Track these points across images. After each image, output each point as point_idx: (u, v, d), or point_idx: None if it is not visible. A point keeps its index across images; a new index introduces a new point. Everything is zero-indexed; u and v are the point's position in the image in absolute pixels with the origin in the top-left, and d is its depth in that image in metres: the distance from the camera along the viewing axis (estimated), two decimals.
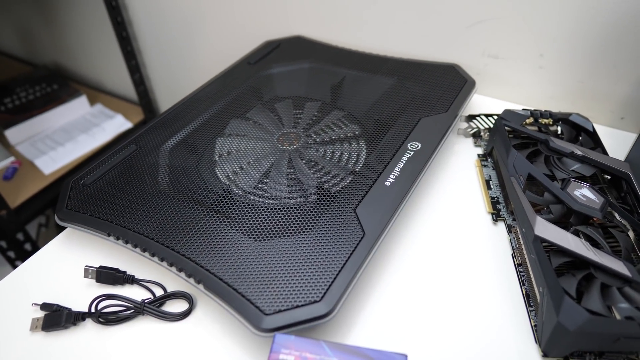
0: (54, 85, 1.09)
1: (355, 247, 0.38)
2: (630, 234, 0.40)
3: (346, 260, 0.37)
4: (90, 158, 0.96)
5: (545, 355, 0.35)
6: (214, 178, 0.48)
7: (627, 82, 0.55)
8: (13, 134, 0.98)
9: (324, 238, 0.39)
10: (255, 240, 0.39)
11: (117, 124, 1.03)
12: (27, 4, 1.15)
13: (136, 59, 0.99)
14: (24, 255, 0.88)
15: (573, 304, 0.32)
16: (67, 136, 1.00)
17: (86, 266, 0.42)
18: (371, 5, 0.66)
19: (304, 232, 0.40)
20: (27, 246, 0.88)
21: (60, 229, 0.47)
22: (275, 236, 0.40)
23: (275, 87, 0.62)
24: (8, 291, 0.42)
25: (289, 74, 0.64)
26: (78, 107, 1.05)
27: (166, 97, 1.08)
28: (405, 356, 0.31)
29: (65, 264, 0.44)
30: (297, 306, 0.34)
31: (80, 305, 0.40)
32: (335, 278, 0.36)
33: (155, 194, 0.45)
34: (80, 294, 0.41)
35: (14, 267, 0.89)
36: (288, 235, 0.40)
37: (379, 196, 0.42)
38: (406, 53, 0.67)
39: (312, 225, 0.40)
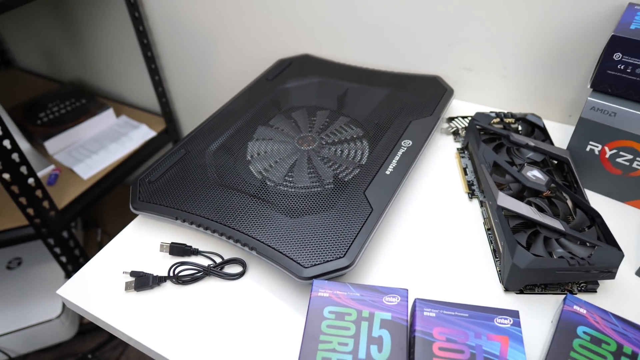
0: (82, 99, 1.21)
1: (367, 219, 0.51)
2: (569, 202, 0.54)
3: (360, 228, 0.50)
4: (122, 163, 1.08)
5: (506, 289, 0.49)
6: (250, 174, 0.61)
7: (572, 87, 0.69)
8: (51, 145, 1.10)
9: (343, 213, 0.52)
10: (291, 218, 0.53)
11: (143, 133, 1.16)
12: (54, 25, 1.27)
13: (159, 74, 1.12)
14: (68, 252, 1.00)
15: (523, 250, 0.46)
16: (99, 145, 1.12)
17: (161, 242, 0.55)
18: (366, 28, 0.79)
19: (327, 209, 0.53)
20: (71, 243, 1.00)
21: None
22: (306, 214, 0.53)
23: (291, 99, 0.75)
24: (101, 264, 0.55)
25: (301, 87, 0.77)
26: (106, 119, 1.18)
27: (185, 108, 1.21)
28: (407, 290, 0.45)
29: (141, 242, 0.57)
30: (327, 261, 0.47)
31: (158, 271, 0.53)
32: (353, 240, 0.49)
33: (208, 186, 0.58)
34: (156, 264, 0.54)
35: (60, 262, 1.01)
36: (316, 213, 0.53)
37: (382, 182, 0.56)
38: (397, 67, 0.81)
39: (333, 205, 0.54)
